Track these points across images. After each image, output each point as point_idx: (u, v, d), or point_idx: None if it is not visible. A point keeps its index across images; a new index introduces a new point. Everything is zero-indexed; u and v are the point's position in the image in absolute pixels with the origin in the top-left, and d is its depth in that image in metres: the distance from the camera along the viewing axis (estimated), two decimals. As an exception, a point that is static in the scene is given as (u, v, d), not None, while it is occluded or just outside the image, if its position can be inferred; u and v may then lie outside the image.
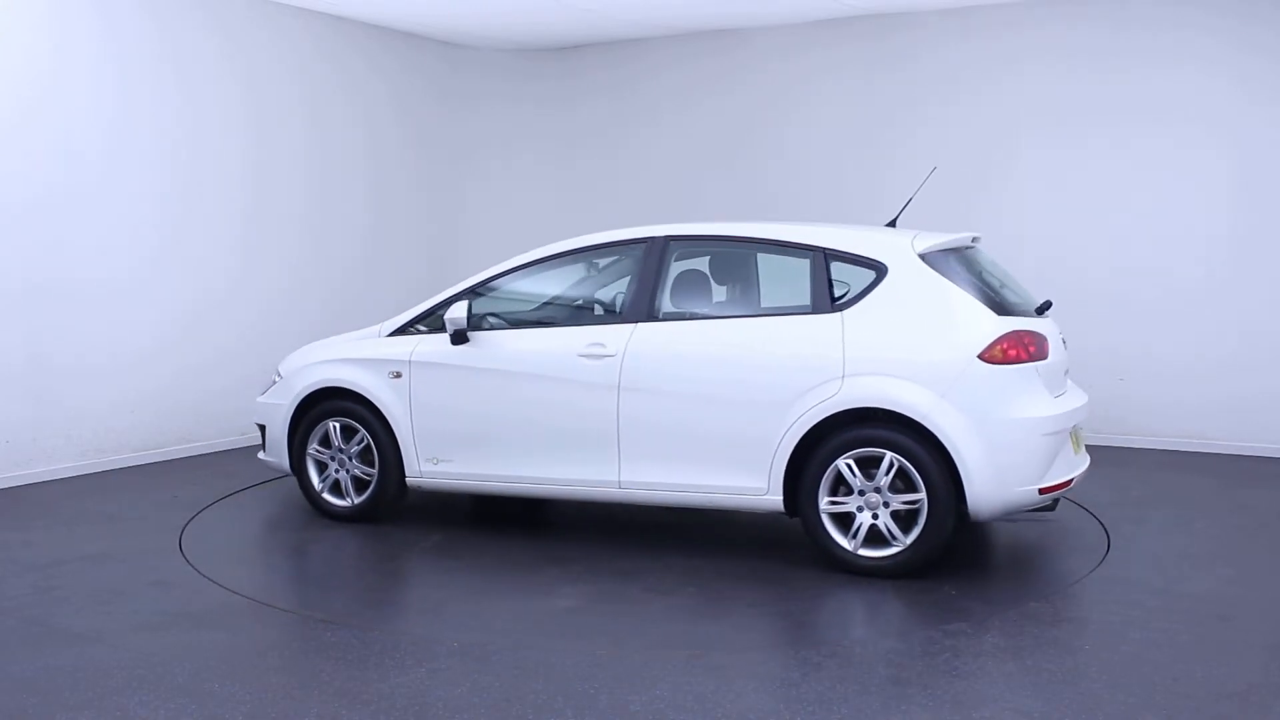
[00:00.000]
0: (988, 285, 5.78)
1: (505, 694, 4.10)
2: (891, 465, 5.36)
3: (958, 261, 5.75)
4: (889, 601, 5.19)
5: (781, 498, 5.58)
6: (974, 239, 6.14)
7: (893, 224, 6.39)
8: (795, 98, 9.69)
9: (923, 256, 5.58)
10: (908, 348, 5.42)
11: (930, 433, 5.30)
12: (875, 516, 5.41)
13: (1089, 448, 6.03)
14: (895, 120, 9.31)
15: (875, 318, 5.51)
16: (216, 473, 7.80)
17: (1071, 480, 5.61)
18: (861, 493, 5.42)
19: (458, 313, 6.15)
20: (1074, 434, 5.73)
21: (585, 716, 3.92)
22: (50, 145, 7.49)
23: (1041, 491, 5.41)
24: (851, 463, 5.42)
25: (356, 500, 6.56)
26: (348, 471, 6.57)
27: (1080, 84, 8.67)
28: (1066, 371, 5.95)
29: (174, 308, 8.29)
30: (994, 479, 5.29)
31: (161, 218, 8.19)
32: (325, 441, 6.62)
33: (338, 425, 6.56)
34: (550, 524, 6.67)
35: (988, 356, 5.32)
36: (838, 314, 5.56)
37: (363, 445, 6.50)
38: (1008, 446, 5.31)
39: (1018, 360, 5.38)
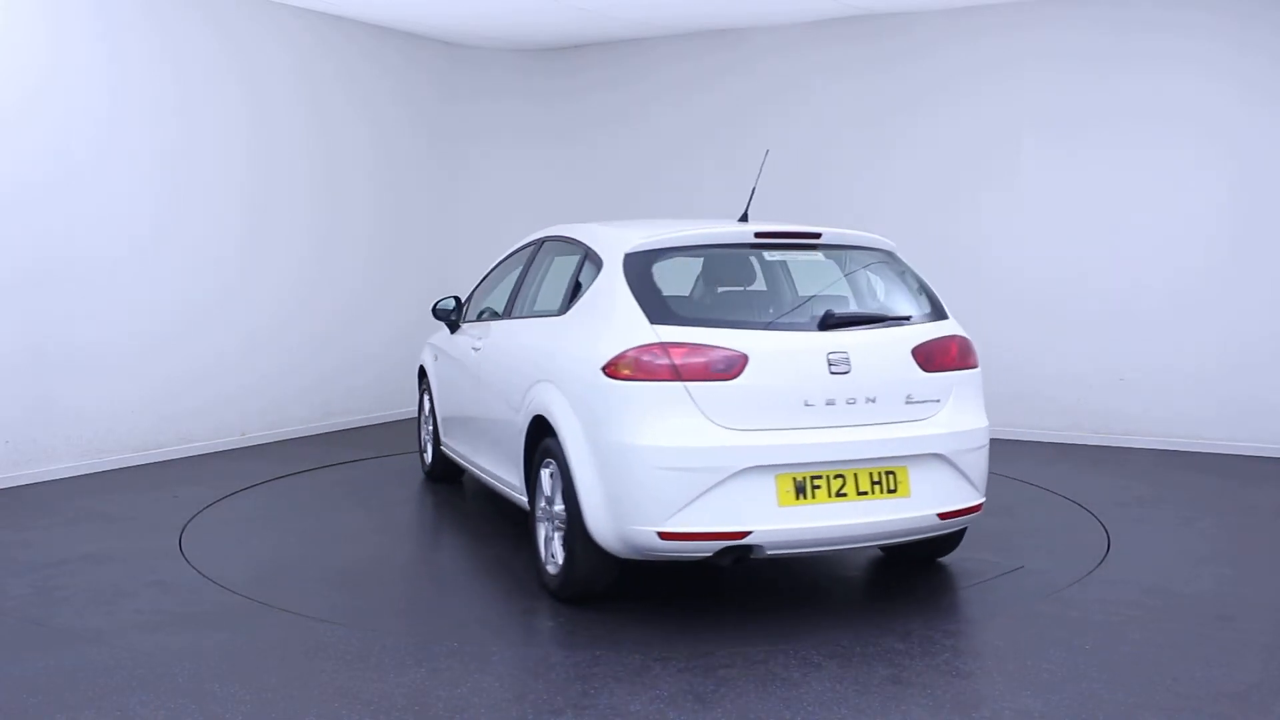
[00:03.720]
0: (760, 290, 5.35)
1: (505, 694, 4.10)
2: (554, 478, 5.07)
3: (692, 262, 5.30)
4: (889, 600, 5.19)
5: (528, 498, 5.47)
6: (759, 232, 5.21)
7: (744, 218, 5.93)
8: (794, 98, 9.70)
9: (629, 256, 5.06)
10: (570, 355, 5.07)
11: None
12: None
13: (1090, 449, 5.98)
14: (894, 121, 9.32)
15: (575, 321, 5.22)
16: (216, 473, 7.80)
17: (747, 534, 4.58)
18: (551, 503, 5.15)
19: (440, 306, 7.07)
20: (878, 477, 4.79)
21: (585, 716, 3.92)
22: (47, 146, 7.47)
23: (663, 536, 4.57)
24: (550, 471, 5.13)
25: (429, 462, 7.65)
26: (426, 438, 7.70)
27: (1080, 86, 8.67)
28: (874, 399, 4.82)
29: (175, 308, 8.29)
30: (606, 509, 4.71)
31: (161, 218, 8.18)
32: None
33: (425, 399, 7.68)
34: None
35: (610, 369, 4.73)
36: (559, 316, 5.39)
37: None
38: (616, 474, 4.68)
39: (659, 378, 4.63)
